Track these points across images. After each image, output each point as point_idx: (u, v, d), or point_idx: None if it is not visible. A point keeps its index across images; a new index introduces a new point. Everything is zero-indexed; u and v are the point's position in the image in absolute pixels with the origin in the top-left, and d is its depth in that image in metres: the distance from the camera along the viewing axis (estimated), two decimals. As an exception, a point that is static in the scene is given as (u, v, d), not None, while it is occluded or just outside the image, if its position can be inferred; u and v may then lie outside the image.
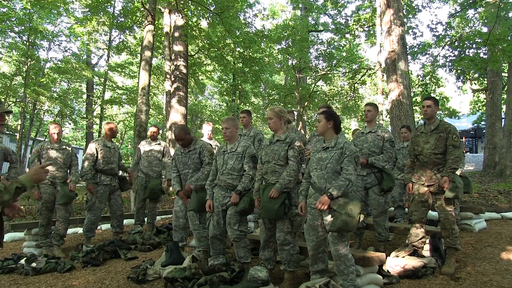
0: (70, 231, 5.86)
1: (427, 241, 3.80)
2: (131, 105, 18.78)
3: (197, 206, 3.81)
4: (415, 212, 3.73)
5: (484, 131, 15.19)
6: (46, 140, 4.78)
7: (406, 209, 5.40)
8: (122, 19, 12.31)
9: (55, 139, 4.74)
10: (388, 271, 3.39)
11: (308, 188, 3.05)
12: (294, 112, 17.39)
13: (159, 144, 5.82)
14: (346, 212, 2.71)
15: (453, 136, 3.55)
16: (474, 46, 9.34)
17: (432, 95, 15.20)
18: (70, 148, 4.90)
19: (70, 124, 21.41)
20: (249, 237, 3.85)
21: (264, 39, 13.55)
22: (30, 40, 15.82)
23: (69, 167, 4.85)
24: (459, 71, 13.85)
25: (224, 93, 20.34)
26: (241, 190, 3.43)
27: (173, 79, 10.39)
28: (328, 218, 2.83)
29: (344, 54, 16.68)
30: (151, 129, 5.91)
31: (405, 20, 10.99)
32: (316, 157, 3.00)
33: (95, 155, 4.99)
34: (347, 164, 2.84)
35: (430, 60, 14.34)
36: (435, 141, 3.61)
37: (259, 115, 23.62)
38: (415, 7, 14.70)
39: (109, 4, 12.46)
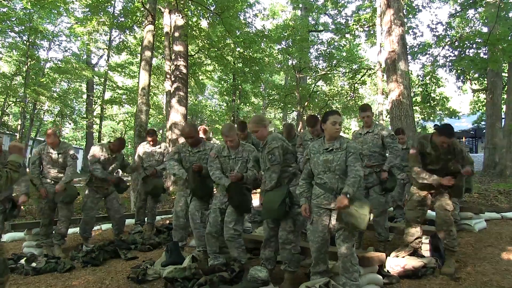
0: (70, 231, 5.85)
1: (427, 241, 3.80)
2: (131, 105, 18.79)
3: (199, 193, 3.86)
4: (410, 211, 3.72)
5: (484, 131, 15.19)
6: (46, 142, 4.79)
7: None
8: (122, 19, 12.30)
9: (52, 145, 4.72)
10: (388, 271, 3.39)
11: (309, 190, 3.04)
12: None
13: (160, 147, 5.83)
14: (359, 212, 2.74)
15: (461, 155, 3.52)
16: (474, 46, 9.35)
17: (432, 95, 15.21)
18: (69, 149, 4.87)
19: (70, 124, 21.43)
20: (249, 237, 3.86)
21: (264, 39, 13.54)
22: (30, 40, 15.83)
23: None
24: (459, 71, 13.84)
25: (224, 93, 20.34)
26: (244, 178, 3.48)
27: (173, 79, 10.38)
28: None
29: (344, 54, 16.68)
30: (149, 138, 5.80)
31: (405, 20, 10.99)
32: (320, 159, 2.96)
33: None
34: (353, 162, 2.83)
35: (430, 60, 14.35)
36: (447, 162, 3.58)
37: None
38: (415, 7, 14.70)
39: (109, 4, 12.46)
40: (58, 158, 4.72)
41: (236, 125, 4.43)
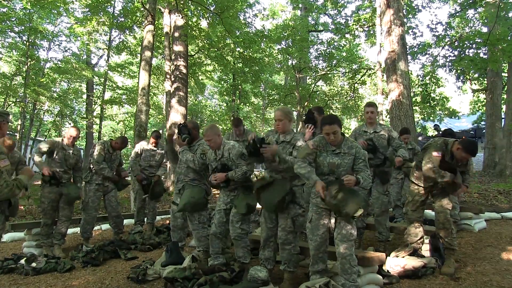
0: (70, 231, 5.85)
1: (427, 241, 3.80)
2: (131, 105, 18.78)
3: (191, 207, 3.81)
4: (413, 212, 3.72)
5: (484, 131, 15.17)
6: (62, 139, 4.78)
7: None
8: (122, 19, 12.29)
9: (71, 143, 4.74)
10: (388, 271, 3.39)
11: (313, 168, 2.93)
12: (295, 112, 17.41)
13: (161, 148, 5.84)
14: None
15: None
16: (474, 46, 9.34)
17: (432, 95, 15.21)
18: (79, 152, 4.92)
19: (70, 124, 21.40)
20: (249, 237, 3.85)
21: (264, 39, 13.52)
22: (30, 40, 15.82)
23: (73, 169, 4.86)
24: (459, 71, 13.84)
25: (224, 93, 20.34)
26: (229, 177, 3.42)
27: (173, 79, 10.38)
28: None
29: (344, 54, 16.67)
30: (153, 139, 5.75)
31: (405, 20, 10.99)
32: (327, 160, 2.93)
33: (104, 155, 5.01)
34: (363, 169, 2.87)
35: (430, 60, 14.35)
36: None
37: (259, 115, 23.62)
38: (415, 7, 14.70)
39: (109, 4, 12.44)
40: (71, 158, 4.72)
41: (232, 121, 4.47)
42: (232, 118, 18.68)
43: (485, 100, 14.31)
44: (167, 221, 6.47)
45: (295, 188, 3.19)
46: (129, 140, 5.96)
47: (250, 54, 13.11)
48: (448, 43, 12.87)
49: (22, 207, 7.67)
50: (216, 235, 3.59)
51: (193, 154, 3.87)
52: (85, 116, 19.85)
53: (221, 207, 3.61)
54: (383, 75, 12.17)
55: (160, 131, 7.61)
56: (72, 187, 4.67)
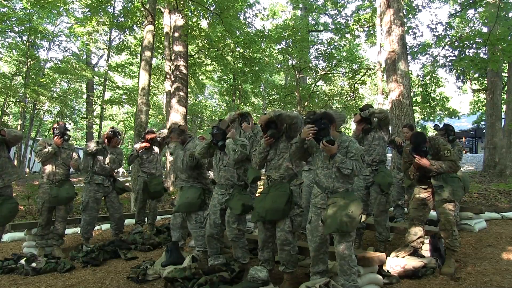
0: (70, 231, 5.86)
1: (427, 241, 3.80)
2: (131, 105, 18.79)
3: (185, 207, 3.92)
4: (414, 210, 3.71)
5: (484, 131, 15.17)
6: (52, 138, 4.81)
7: (406, 209, 5.40)
8: (122, 19, 12.30)
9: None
10: (388, 271, 3.38)
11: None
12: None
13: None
14: (347, 213, 2.73)
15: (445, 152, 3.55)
16: (474, 46, 9.32)
17: (432, 95, 15.21)
18: (71, 146, 4.90)
19: (70, 124, 21.42)
20: (249, 237, 3.85)
21: (264, 39, 13.54)
22: (30, 40, 15.85)
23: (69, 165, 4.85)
24: (459, 71, 13.82)
25: (224, 93, 20.36)
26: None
27: (173, 79, 10.39)
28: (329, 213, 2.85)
29: (344, 54, 16.69)
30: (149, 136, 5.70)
31: (405, 20, 10.99)
32: (322, 154, 2.96)
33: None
34: (355, 164, 2.84)
35: (430, 60, 14.35)
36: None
37: (259, 115, 23.59)
38: (415, 7, 14.70)
39: (109, 4, 12.46)
40: (61, 153, 4.71)
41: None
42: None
43: (485, 100, 14.29)
44: (167, 221, 6.48)
45: (293, 188, 3.19)
46: (129, 140, 5.97)
47: (250, 54, 13.12)
48: (448, 43, 12.86)
49: (22, 207, 7.67)
50: (212, 236, 3.59)
51: (184, 154, 4.08)
52: (85, 116, 19.88)
53: (217, 208, 3.59)
54: (383, 75, 12.18)
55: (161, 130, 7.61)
56: (64, 188, 4.62)
